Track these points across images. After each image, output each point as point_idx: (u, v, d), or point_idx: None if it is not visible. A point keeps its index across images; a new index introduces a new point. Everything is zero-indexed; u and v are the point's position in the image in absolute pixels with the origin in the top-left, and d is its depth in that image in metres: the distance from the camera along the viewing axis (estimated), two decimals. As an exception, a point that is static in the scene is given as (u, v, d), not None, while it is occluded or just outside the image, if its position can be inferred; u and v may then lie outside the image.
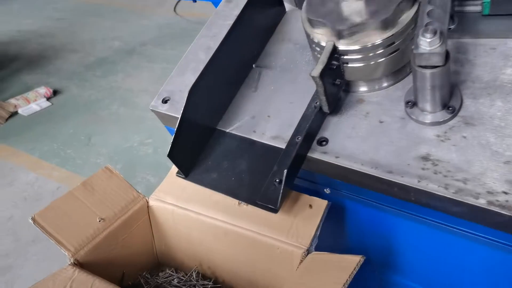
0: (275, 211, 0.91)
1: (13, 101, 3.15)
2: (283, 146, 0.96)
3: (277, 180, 0.93)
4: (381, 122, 0.91)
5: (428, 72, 0.78)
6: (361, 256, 0.80)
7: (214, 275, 1.08)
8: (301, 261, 0.90)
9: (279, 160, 0.95)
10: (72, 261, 0.90)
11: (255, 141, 1.00)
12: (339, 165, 0.90)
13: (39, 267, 1.97)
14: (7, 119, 3.04)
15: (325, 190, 1.02)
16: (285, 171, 0.88)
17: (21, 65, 3.62)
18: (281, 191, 0.90)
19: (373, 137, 0.90)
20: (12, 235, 2.12)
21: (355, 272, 0.78)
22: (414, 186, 0.82)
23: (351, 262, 0.79)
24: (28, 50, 3.76)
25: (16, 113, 3.12)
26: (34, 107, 3.11)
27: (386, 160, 0.86)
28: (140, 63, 3.30)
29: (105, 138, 2.71)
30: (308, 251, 0.90)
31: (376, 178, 0.86)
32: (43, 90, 3.20)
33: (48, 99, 3.20)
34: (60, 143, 2.73)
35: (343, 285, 0.75)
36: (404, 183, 0.83)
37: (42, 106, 3.13)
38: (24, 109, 3.10)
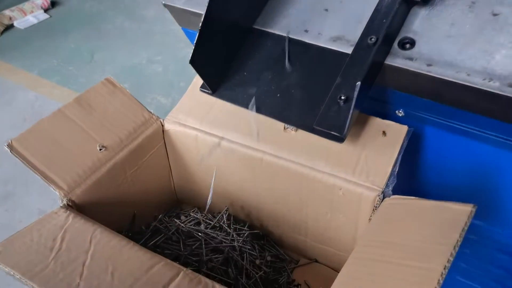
0: (340, 139, 0.66)
1: (7, 12, 2.82)
2: (348, 50, 0.70)
3: (342, 97, 0.66)
4: (495, 15, 0.64)
5: None
6: (472, 205, 0.56)
7: (248, 218, 0.86)
8: (375, 208, 0.67)
9: (343, 69, 0.68)
10: (65, 202, 0.67)
11: (308, 44, 0.74)
12: (432, 76, 0.64)
13: (42, 195, 1.77)
14: (2, 33, 2.73)
15: (397, 112, 0.76)
16: (358, 84, 0.62)
17: (14, -28, 3.24)
18: (351, 112, 0.64)
19: (484, 37, 0.63)
20: (11, 160, 1.90)
21: (466, 228, 0.54)
22: (552, 106, 0.56)
23: (458, 213, 0.55)
24: (21, -45, 3.35)
25: (11, 26, 2.80)
26: (31, 19, 2.79)
27: (506, 69, 0.60)
28: (146, -30, 2.92)
29: (110, 55, 2.42)
30: (384, 194, 0.66)
31: (489, 94, 0.60)
32: (40, 1, 2.86)
33: (45, 11, 2.87)
34: (60, 60, 2.45)
35: (453, 248, 0.51)
36: (535, 102, 0.57)
37: (40, 18, 2.80)
38: (20, 22, 2.78)
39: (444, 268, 0.49)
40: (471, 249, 0.85)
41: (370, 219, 0.67)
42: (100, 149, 0.73)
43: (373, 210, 0.67)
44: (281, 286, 0.78)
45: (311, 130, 0.68)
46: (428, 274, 0.49)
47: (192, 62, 0.68)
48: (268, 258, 0.80)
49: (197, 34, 0.68)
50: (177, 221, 0.81)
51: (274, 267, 0.81)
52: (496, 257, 0.84)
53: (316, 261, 0.84)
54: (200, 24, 0.69)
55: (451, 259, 0.50)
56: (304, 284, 0.80)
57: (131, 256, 0.59)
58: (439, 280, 0.48)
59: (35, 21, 2.76)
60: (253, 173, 0.77)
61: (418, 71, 0.64)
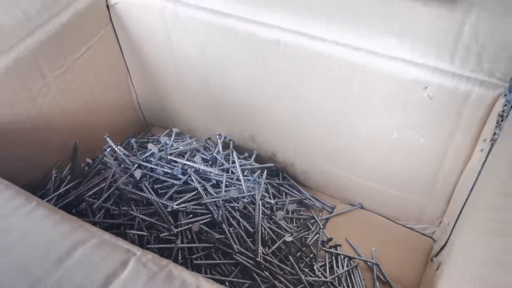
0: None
1: None
2: None
3: None
4: None
5: None
6: None
7: (256, 144, 0.55)
8: (500, 118, 0.36)
9: None
10: None
11: None
12: None
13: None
14: None
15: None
16: None
17: None
18: None
19: None
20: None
21: None
22: None
23: None
24: None
25: None
26: None
27: None
28: None
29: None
30: (514, 93, 0.36)
31: None
32: None
33: None
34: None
35: None
36: None
37: None
38: None
39: None
40: None
41: (493, 141, 0.36)
42: (-13, 31, 0.41)
43: (497, 123, 0.36)
44: (311, 249, 0.49)
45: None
46: None
47: None
48: (290, 206, 0.51)
49: None
50: (138, 153, 0.50)
51: (298, 218, 0.52)
52: None
53: (362, 207, 0.54)
54: None
55: None
56: (345, 244, 0.51)
57: (28, 230, 0.29)
58: None
59: None
60: (262, 67, 0.45)
61: None
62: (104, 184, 0.45)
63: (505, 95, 0.36)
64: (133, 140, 0.53)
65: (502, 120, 0.35)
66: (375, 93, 0.41)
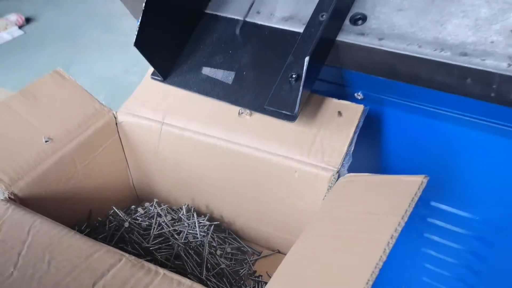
0: (292, 118, 0.64)
1: (-19, 30, 2.79)
2: (301, 29, 0.68)
3: (293, 76, 0.65)
4: (445, -15, 0.63)
5: None
6: (423, 176, 0.54)
7: (209, 210, 0.83)
8: (329, 188, 0.64)
9: (295, 48, 0.67)
10: (6, 195, 0.64)
11: (261, 25, 0.72)
12: (384, 50, 0.63)
13: None
14: (-25, 50, 2.69)
15: (356, 95, 0.74)
16: (307, 59, 0.60)
17: (-11, -10, 3.22)
18: (301, 89, 0.62)
19: (436, 8, 0.62)
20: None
21: (416, 198, 0.52)
22: (501, 73, 0.56)
23: (409, 184, 0.53)
24: (-5, -27, 3.34)
25: (-15, 43, 2.76)
26: (4, 36, 2.76)
27: (457, 38, 0.59)
28: (122, -16, 2.91)
29: (85, 67, 2.39)
30: (339, 174, 0.64)
31: (441, 65, 0.59)
32: (14, 18, 2.84)
33: (20, 27, 2.84)
34: (34, 74, 2.40)
35: (402, 218, 0.49)
36: (485, 69, 0.56)
37: (14, 35, 2.78)
38: (-6, 39, 2.74)
39: (391, 238, 0.47)
40: (440, 235, 0.83)
41: (324, 198, 0.65)
42: (46, 141, 0.70)
43: (327, 191, 0.64)
44: (242, 278, 0.74)
45: (263, 111, 0.66)
46: (375, 244, 0.47)
47: (137, 44, 0.66)
48: (228, 249, 0.77)
49: (142, 13, 0.66)
50: (133, 215, 0.78)
51: (236, 259, 0.77)
52: (469, 242, 0.81)
53: (279, 251, 0.81)
54: (144, 2, 0.67)
55: (399, 228, 0.48)
56: (266, 275, 0.77)
57: (71, 244, 0.56)
58: (385, 249, 0.46)
59: (9, 37, 2.73)
60: (209, 161, 0.75)
61: (370, 46, 0.63)
62: (108, 231, 0.72)
63: (333, 175, 0.64)
64: (133, 207, 0.82)
65: (330, 189, 0.64)
66: (270, 175, 0.70)
